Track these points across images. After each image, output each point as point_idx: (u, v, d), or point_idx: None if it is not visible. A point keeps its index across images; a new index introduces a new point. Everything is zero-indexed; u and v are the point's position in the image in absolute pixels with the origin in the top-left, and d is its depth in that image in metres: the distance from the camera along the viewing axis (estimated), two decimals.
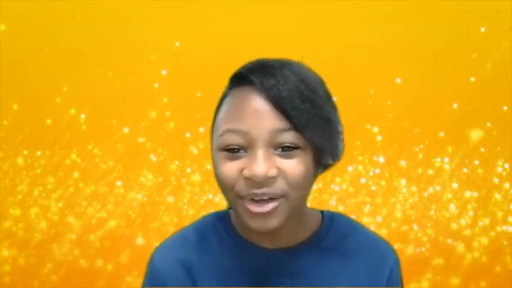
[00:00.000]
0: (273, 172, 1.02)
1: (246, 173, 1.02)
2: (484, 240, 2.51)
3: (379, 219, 2.53)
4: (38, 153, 2.56)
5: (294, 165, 1.03)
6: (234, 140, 1.03)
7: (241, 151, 1.03)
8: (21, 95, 2.54)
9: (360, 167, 2.51)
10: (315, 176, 1.12)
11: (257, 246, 1.17)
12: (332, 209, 2.39)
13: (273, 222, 1.05)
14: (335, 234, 1.22)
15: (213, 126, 1.11)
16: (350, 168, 2.52)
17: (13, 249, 2.51)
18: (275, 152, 1.03)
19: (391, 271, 1.23)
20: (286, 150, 1.02)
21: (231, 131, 1.03)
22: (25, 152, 2.54)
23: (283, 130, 1.02)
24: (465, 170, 2.51)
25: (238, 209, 1.07)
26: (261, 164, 1.01)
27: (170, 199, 2.54)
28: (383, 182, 2.54)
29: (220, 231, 1.21)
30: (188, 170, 2.56)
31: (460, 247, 2.52)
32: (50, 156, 2.54)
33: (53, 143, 2.55)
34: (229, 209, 1.24)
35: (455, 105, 2.45)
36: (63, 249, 2.52)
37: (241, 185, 1.04)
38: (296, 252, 1.18)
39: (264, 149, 1.02)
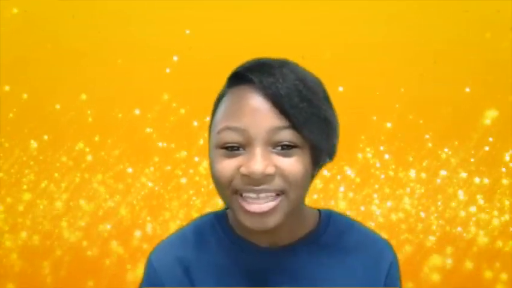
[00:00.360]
0: (270, 170, 1.03)
1: (243, 170, 1.03)
2: (495, 224, 2.52)
3: (389, 204, 2.54)
4: (46, 137, 2.57)
5: (292, 164, 1.04)
6: (232, 137, 1.04)
7: (239, 149, 1.04)
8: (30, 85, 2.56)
9: (369, 155, 2.52)
10: (312, 175, 1.13)
11: (255, 245, 1.19)
12: (340, 198, 2.41)
13: (271, 221, 1.06)
14: (332, 232, 1.23)
15: (211, 124, 1.12)
16: (359, 155, 2.52)
17: (21, 239, 2.54)
18: (273, 150, 1.04)
19: (389, 268, 1.24)
20: (284, 148, 1.04)
21: (229, 128, 1.04)
22: (32, 141, 2.56)
23: (281, 128, 1.03)
24: (472, 160, 2.52)
25: (234, 206, 1.08)
26: (259, 161, 1.02)
27: (178, 189, 2.55)
28: (391, 172, 2.55)
29: (218, 231, 1.23)
30: (196, 159, 2.56)
31: (470, 233, 2.53)
32: (59, 146, 2.56)
33: (61, 132, 2.56)
34: (226, 208, 1.25)
35: (467, 89, 2.46)
36: (72, 238, 2.54)
37: (238, 181, 1.05)
38: (294, 251, 1.20)
39: (262, 147, 1.03)
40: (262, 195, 1.04)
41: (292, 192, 1.06)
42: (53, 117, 2.57)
